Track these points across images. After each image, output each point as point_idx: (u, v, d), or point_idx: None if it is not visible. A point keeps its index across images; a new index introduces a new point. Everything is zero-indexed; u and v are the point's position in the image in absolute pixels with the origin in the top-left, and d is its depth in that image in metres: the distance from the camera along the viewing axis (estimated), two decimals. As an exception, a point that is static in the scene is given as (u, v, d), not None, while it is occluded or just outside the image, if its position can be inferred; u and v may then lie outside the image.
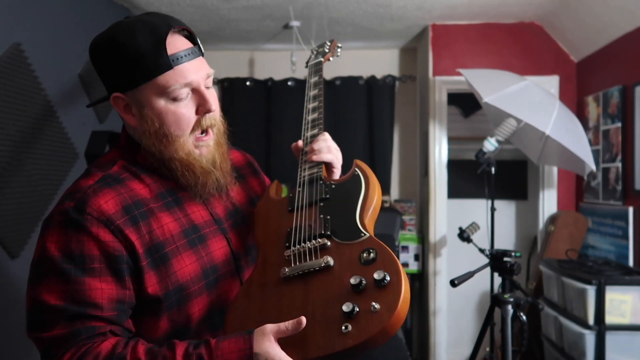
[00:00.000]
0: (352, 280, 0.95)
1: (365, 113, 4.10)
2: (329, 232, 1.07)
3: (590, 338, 2.56)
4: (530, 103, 2.91)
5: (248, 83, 4.13)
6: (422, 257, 3.76)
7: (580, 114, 3.44)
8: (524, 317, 2.24)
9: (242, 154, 1.37)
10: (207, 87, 1.09)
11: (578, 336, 2.62)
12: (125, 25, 1.04)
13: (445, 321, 3.64)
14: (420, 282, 3.92)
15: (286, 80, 4.10)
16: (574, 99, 3.57)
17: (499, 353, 2.95)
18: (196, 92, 1.06)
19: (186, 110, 1.06)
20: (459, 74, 3.20)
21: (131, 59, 1.01)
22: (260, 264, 1.09)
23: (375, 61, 4.18)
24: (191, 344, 0.96)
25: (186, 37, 1.08)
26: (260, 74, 4.22)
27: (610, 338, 2.54)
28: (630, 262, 2.85)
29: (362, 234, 1.04)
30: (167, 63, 1.01)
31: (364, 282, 0.95)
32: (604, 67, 3.21)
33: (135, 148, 1.12)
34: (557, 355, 2.88)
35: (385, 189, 4.07)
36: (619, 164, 2.96)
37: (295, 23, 3.54)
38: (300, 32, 3.73)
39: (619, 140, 2.96)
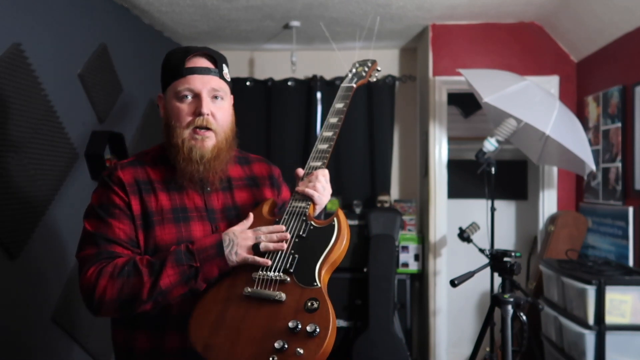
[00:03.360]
0: (290, 324, 1.16)
1: (365, 113, 4.09)
2: (291, 270, 1.27)
3: (590, 338, 2.56)
4: (530, 103, 2.91)
5: (248, 83, 4.13)
6: (422, 257, 3.76)
7: (580, 114, 3.44)
8: (524, 317, 2.24)
9: (268, 166, 1.60)
10: (214, 98, 1.39)
11: (578, 336, 2.62)
12: (178, 47, 1.46)
13: (445, 321, 3.64)
14: (420, 282, 3.92)
15: (286, 80, 4.10)
16: (574, 99, 3.57)
17: (499, 353, 2.95)
18: (197, 97, 1.37)
19: (186, 108, 1.38)
20: (459, 74, 3.20)
21: (167, 68, 1.41)
22: (232, 275, 1.30)
23: (375, 61, 4.18)
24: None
25: (211, 61, 1.40)
26: (260, 74, 4.22)
27: (610, 338, 2.54)
28: (630, 262, 2.85)
29: (315, 284, 1.24)
30: (181, 73, 1.37)
31: (299, 327, 1.16)
32: (604, 67, 3.21)
33: None
34: (557, 355, 2.88)
35: (385, 189, 4.08)
36: (619, 164, 2.96)
37: (295, 23, 3.54)
38: (300, 32, 3.73)
39: (619, 140, 2.96)
